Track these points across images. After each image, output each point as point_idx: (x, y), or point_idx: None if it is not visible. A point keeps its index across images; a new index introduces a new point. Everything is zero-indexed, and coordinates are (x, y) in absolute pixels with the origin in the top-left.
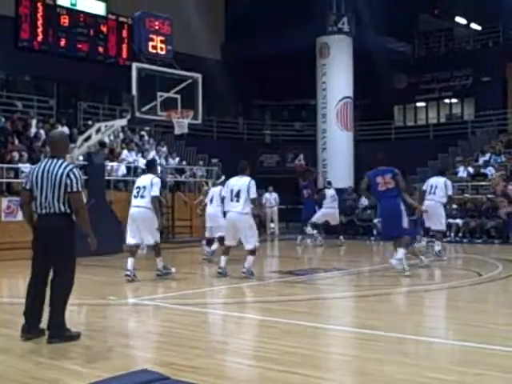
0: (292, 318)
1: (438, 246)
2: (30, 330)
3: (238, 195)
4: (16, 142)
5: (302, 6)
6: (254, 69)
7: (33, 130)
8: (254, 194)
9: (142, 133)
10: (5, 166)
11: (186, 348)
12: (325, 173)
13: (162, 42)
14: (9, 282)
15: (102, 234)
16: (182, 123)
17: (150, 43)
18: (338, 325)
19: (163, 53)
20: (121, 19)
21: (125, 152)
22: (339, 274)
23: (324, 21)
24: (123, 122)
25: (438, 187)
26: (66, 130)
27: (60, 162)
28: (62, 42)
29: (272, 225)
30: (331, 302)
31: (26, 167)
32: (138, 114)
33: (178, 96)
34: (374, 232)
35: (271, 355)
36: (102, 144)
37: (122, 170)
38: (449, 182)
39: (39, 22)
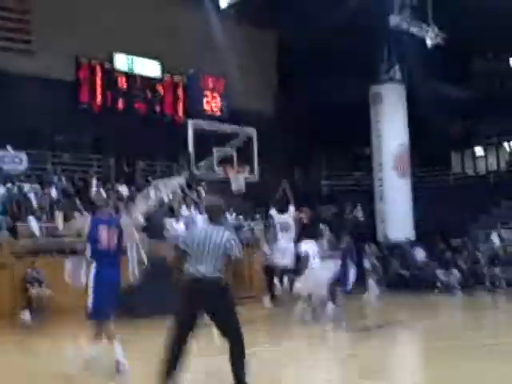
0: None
1: None
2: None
3: None
4: (77, 201)
5: (353, 56)
6: (308, 120)
7: (93, 190)
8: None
9: (199, 188)
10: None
11: None
12: (383, 223)
13: (216, 99)
14: (72, 344)
15: (162, 293)
16: (238, 179)
17: (205, 100)
18: (397, 381)
19: (218, 109)
20: (176, 79)
21: (183, 208)
22: (404, 329)
23: (376, 70)
24: (181, 179)
25: None
26: (125, 188)
27: (219, 227)
28: (120, 104)
29: None
30: (393, 358)
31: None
32: (194, 171)
33: (234, 152)
34: (438, 285)
35: None
36: (160, 201)
37: (181, 226)
38: None
39: (98, 85)
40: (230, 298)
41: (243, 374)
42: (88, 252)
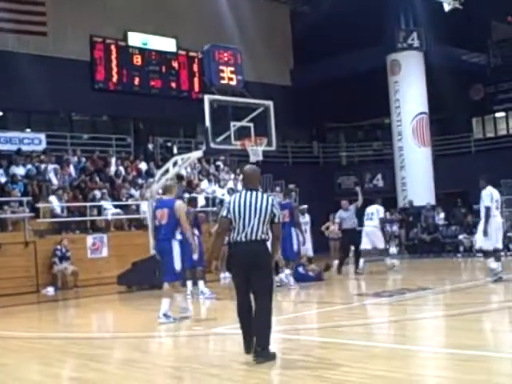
0: (380, 340)
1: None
2: (251, 345)
3: None
4: (97, 180)
5: (369, 24)
6: (325, 91)
7: (112, 168)
8: None
9: (218, 163)
10: (88, 204)
11: (273, 376)
12: (404, 191)
13: (232, 72)
14: (98, 316)
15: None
16: (256, 151)
17: (221, 75)
18: (428, 346)
19: (234, 83)
20: (191, 54)
21: (202, 183)
22: (426, 294)
23: (393, 37)
24: (199, 153)
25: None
26: (144, 165)
27: (261, 194)
28: (136, 81)
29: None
30: (420, 323)
31: (108, 204)
32: (212, 145)
33: (251, 124)
34: (461, 249)
35: (360, 380)
36: (179, 177)
37: (201, 200)
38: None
39: (113, 64)
40: (266, 262)
41: (266, 341)
42: None
